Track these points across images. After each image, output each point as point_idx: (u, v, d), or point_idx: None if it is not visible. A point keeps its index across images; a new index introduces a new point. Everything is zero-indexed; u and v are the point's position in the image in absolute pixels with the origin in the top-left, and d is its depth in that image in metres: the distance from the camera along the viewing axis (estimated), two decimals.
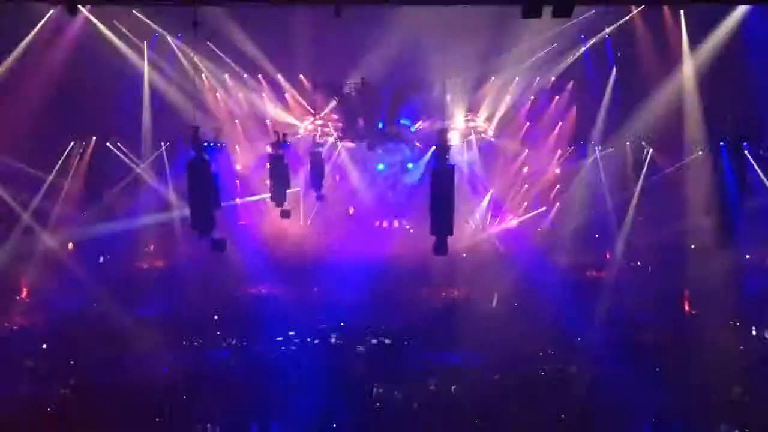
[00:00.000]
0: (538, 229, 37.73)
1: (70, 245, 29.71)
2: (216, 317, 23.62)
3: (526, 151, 38.13)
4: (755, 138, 22.93)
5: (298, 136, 36.26)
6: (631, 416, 16.88)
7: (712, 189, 23.03)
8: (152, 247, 33.18)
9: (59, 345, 21.15)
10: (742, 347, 21.55)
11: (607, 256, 32.67)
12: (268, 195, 28.47)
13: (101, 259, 30.80)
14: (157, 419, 16.93)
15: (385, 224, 38.64)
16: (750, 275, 25.43)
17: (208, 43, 29.38)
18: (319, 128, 36.89)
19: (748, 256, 26.69)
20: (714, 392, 18.14)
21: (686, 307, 25.07)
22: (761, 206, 23.59)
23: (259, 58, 32.28)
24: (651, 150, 28.55)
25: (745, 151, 22.83)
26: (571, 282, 28.15)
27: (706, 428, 16.19)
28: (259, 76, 35.17)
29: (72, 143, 28.31)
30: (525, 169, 38.60)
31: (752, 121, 22.67)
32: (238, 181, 36.82)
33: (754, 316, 23.05)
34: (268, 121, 36.23)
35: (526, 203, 38.86)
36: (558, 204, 37.45)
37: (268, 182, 28.94)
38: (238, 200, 36.40)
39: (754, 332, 22.58)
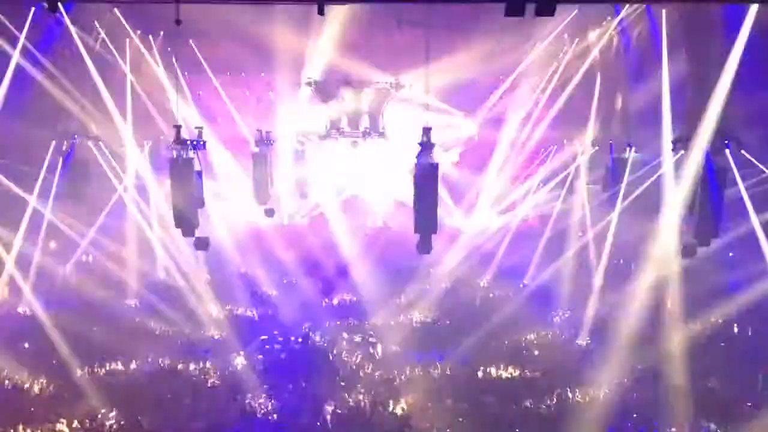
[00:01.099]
0: (524, 223, 37.91)
1: (52, 244, 29.44)
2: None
3: (512, 150, 38.31)
4: (737, 138, 23.06)
5: (282, 135, 36.18)
6: (614, 413, 16.97)
7: (693, 188, 23.11)
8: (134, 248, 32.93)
9: (40, 345, 20.96)
10: (723, 344, 21.69)
11: (591, 255, 32.77)
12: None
13: (84, 258, 30.56)
14: (139, 418, 16.80)
15: (369, 223, 38.62)
16: (732, 274, 25.67)
17: (190, 41, 29.27)
18: (303, 127, 36.82)
19: (731, 254, 26.85)
20: (696, 389, 18.25)
21: (668, 305, 25.18)
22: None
23: (242, 55, 32.22)
24: (633, 149, 28.63)
25: (727, 151, 22.99)
26: (554, 281, 28.24)
27: (689, 425, 16.28)
28: (243, 74, 35.10)
29: (53, 142, 28.02)
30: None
31: (734, 121, 22.78)
32: (221, 180, 36.68)
33: (736, 314, 23.19)
34: (251, 119, 36.13)
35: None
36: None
37: (251, 181, 28.87)
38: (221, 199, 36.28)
39: (735, 329, 22.72)
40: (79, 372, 19.58)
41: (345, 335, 22.60)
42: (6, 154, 24.85)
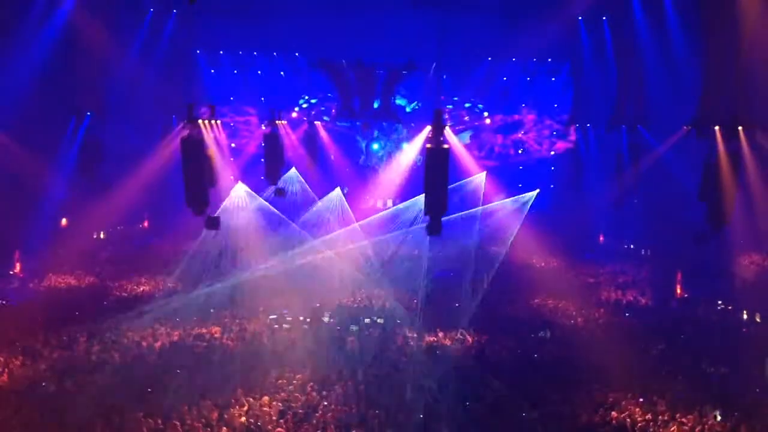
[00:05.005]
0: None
1: (64, 221, 29.63)
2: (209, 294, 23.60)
3: (522, 132, 38.21)
4: (751, 123, 22.89)
5: (294, 115, 36.20)
6: (622, 396, 16.98)
7: (706, 172, 22.99)
8: (146, 224, 33.13)
9: (52, 320, 21.12)
10: (733, 329, 21.66)
11: (601, 238, 32.72)
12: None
13: (95, 236, 30.76)
14: (149, 390, 16.90)
15: (379, 204, 38.60)
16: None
17: (203, 19, 29.29)
18: (315, 107, 36.86)
19: (741, 241, 26.78)
20: (704, 374, 18.27)
21: (678, 290, 25.15)
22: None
23: (255, 35, 32.18)
24: (646, 132, 28.52)
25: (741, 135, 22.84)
26: (563, 263, 28.21)
27: (696, 412, 16.27)
28: (255, 53, 35.07)
29: (69, 118, 28.15)
30: (520, 151, 38.68)
31: (748, 105, 22.61)
32: (232, 159, 36.76)
33: (746, 300, 23.16)
34: (263, 98, 36.14)
35: (520, 184, 38.93)
36: (552, 185, 37.52)
37: (263, 160, 28.86)
38: (232, 178, 36.38)
39: (745, 316, 22.65)
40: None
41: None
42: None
